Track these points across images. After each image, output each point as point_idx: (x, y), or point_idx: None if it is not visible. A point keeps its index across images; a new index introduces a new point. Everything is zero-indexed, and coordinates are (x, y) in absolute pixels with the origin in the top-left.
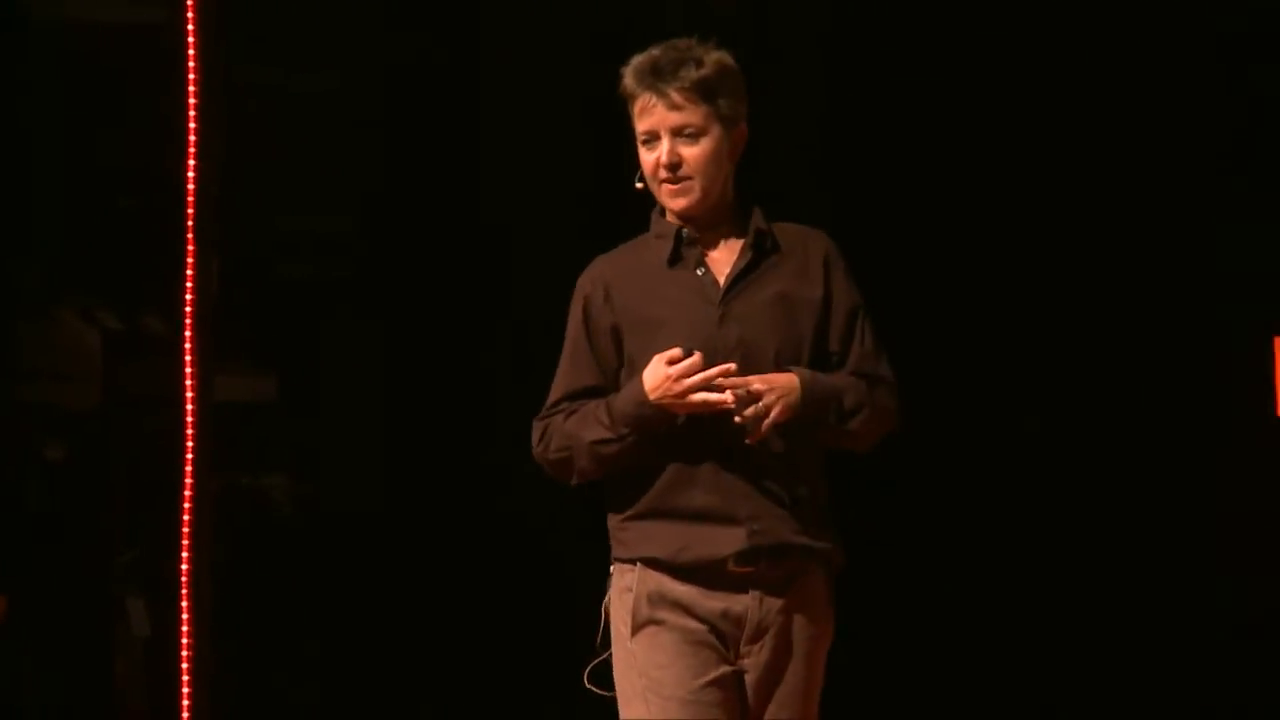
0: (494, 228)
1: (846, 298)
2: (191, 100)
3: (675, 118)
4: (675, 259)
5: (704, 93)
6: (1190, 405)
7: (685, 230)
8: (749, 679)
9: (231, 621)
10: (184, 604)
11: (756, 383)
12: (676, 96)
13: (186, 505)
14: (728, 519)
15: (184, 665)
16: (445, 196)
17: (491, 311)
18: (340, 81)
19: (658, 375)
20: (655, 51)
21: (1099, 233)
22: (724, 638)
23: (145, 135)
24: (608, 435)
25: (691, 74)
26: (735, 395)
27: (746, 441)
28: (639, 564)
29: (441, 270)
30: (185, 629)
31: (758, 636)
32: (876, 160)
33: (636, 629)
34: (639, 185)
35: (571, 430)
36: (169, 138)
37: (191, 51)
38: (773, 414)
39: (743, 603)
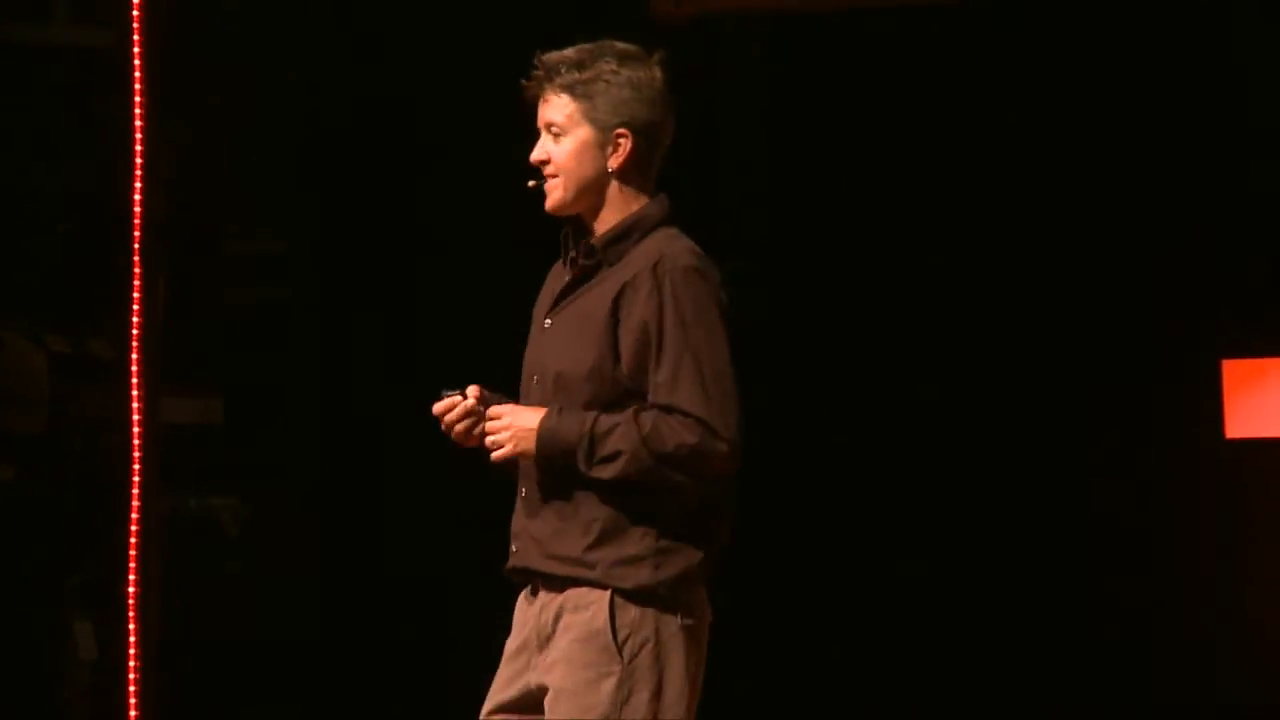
0: (440, 248)
1: (644, 320)
2: (138, 124)
3: (545, 113)
4: (564, 257)
5: (575, 92)
6: (1143, 427)
7: (566, 230)
8: (541, 688)
9: (179, 644)
10: (131, 627)
11: (500, 413)
12: (549, 93)
13: (134, 528)
14: (510, 535)
15: (131, 689)
16: (391, 220)
17: (438, 331)
18: (286, 106)
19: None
20: (564, 50)
21: (1049, 260)
22: (523, 649)
23: (92, 159)
24: None
25: (572, 75)
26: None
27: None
28: None
29: (387, 292)
30: (132, 652)
31: (542, 647)
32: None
33: None
34: (531, 184)
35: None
36: (116, 161)
37: (138, 74)
38: (503, 450)
39: (534, 610)
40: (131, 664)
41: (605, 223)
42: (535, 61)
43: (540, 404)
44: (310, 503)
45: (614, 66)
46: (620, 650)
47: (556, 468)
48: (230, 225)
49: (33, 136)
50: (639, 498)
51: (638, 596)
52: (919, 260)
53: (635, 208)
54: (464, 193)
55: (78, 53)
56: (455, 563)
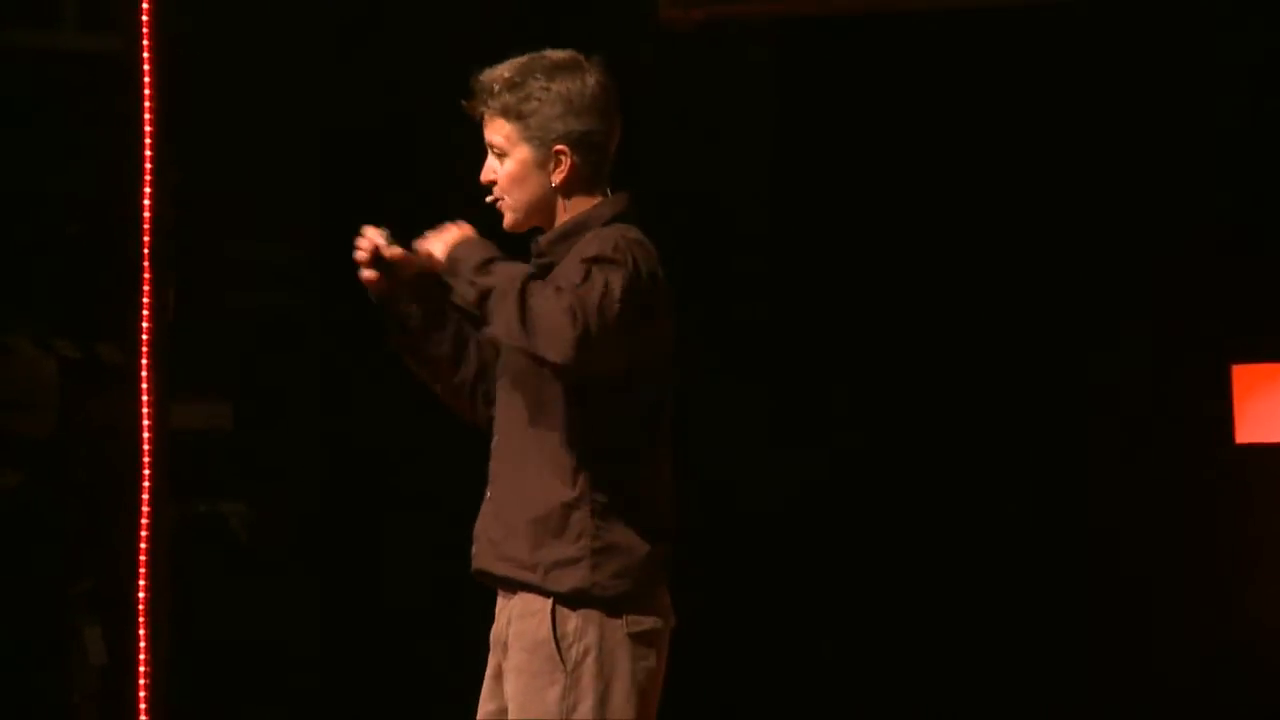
0: None
1: (571, 261)
2: (147, 129)
3: (489, 135)
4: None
5: (510, 114)
6: (1153, 432)
7: (532, 244)
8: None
9: (188, 649)
10: (141, 632)
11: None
12: (487, 115)
13: (143, 533)
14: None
15: (141, 694)
16: (400, 225)
17: None
18: (296, 109)
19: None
20: (499, 67)
21: (1058, 264)
22: (493, 652)
23: (102, 163)
24: None
25: (506, 97)
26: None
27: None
28: None
29: None
30: (142, 657)
31: (503, 652)
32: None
33: None
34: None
35: None
36: (125, 165)
37: (147, 80)
38: (424, 243)
39: (500, 613)
40: (141, 669)
41: (561, 228)
42: (471, 82)
43: (507, 405)
44: (319, 507)
45: (544, 83)
46: (563, 659)
47: (451, 276)
48: (239, 230)
49: (41, 141)
50: (567, 497)
51: (576, 600)
52: (925, 264)
53: (563, 210)
54: (472, 199)
55: (86, 58)
56: (463, 567)
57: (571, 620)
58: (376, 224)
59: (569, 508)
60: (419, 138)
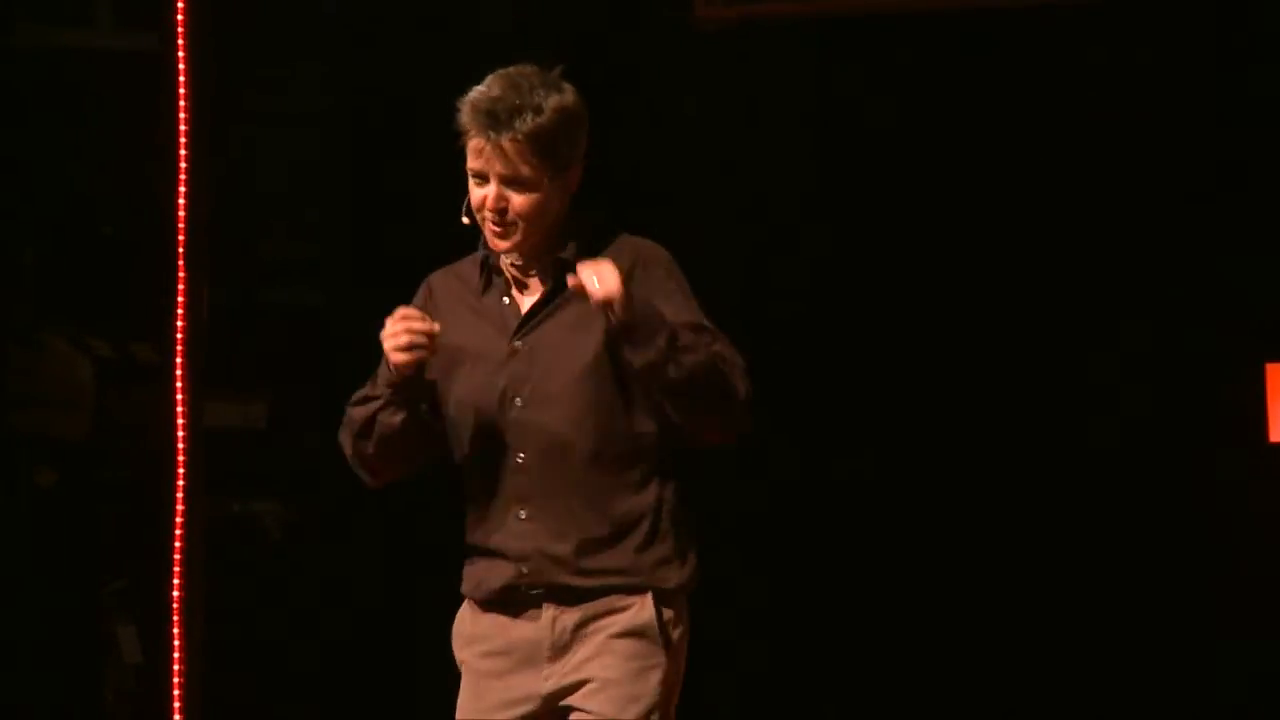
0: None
1: (672, 296)
2: (183, 127)
3: (505, 169)
4: (487, 286)
5: (538, 146)
6: (1187, 432)
7: (491, 258)
8: (563, 694)
9: (223, 648)
10: (175, 631)
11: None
12: (509, 147)
13: (177, 532)
14: (503, 556)
15: (175, 693)
16: (437, 221)
17: None
18: (331, 109)
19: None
20: (495, 90)
21: (1093, 260)
22: (522, 666)
23: (137, 162)
24: (362, 395)
25: (527, 124)
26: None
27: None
28: (465, 600)
29: None
30: (176, 656)
31: (557, 657)
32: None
33: (459, 666)
34: (465, 220)
35: (348, 411)
36: (161, 165)
37: (183, 79)
38: (604, 289)
39: (537, 626)
40: (175, 667)
41: (553, 240)
42: (470, 107)
43: (527, 423)
44: (352, 506)
45: (555, 103)
46: (665, 644)
47: (633, 335)
48: (274, 228)
49: (76, 140)
50: (652, 499)
51: (674, 595)
52: (962, 264)
53: (569, 218)
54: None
55: (121, 56)
56: None
57: (668, 610)
58: (407, 222)
59: (654, 512)
60: (456, 136)
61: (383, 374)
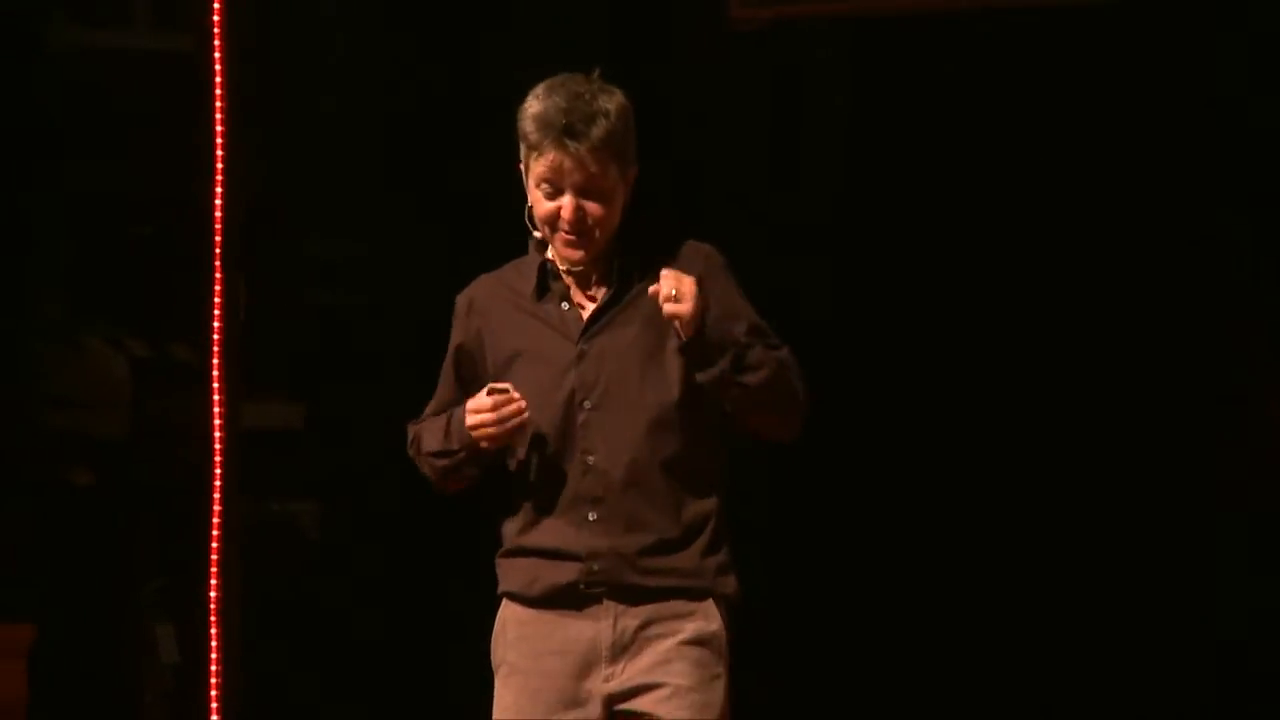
0: (523, 252)
1: (736, 300)
2: (219, 127)
3: (583, 179)
4: (542, 291)
5: (612, 151)
6: (1199, 416)
7: (550, 263)
8: (623, 697)
9: (260, 649)
10: (213, 631)
11: (670, 274)
12: (587, 157)
13: (215, 532)
14: (569, 557)
15: (213, 693)
16: (475, 221)
17: None
18: (369, 106)
19: (478, 407)
20: (560, 101)
21: (1108, 246)
22: (580, 666)
23: (174, 162)
24: (440, 448)
25: (601, 130)
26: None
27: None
28: (504, 599)
29: None
30: (214, 656)
31: (616, 659)
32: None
33: (496, 667)
34: (533, 229)
35: (421, 440)
36: (197, 165)
37: (219, 79)
38: (682, 307)
39: (597, 626)
40: (213, 667)
41: (610, 245)
42: (539, 122)
43: (599, 425)
44: (390, 506)
45: (615, 106)
46: (725, 653)
47: (701, 354)
48: (312, 228)
49: (113, 140)
50: (715, 504)
51: (730, 603)
52: (998, 263)
53: (627, 220)
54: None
55: (158, 57)
56: None
57: (728, 616)
58: (442, 221)
59: (716, 518)
60: (493, 136)
61: (463, 437)
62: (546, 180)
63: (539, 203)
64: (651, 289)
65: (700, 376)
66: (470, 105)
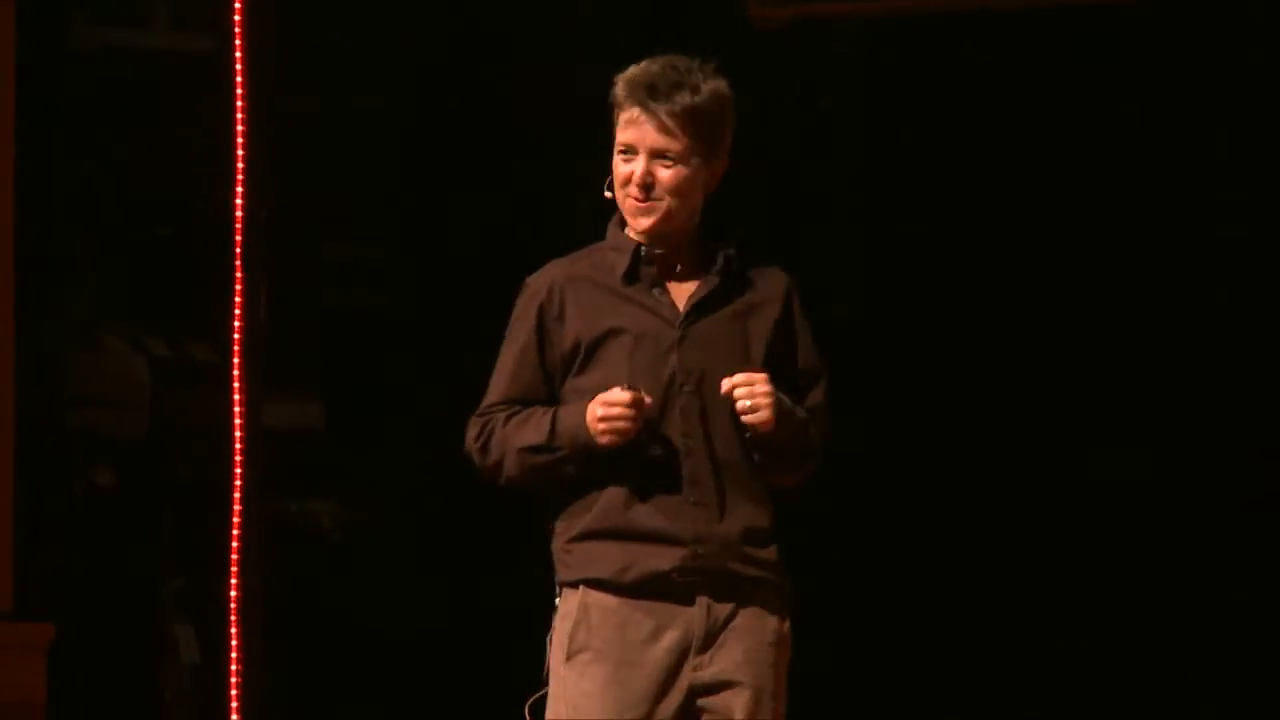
0: (542, 253)
1: (806, 332)
2: (239, 128)
3: (658, 140)
4: (632, 276)
5: (692, 122)
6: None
7: (644, 248)
8: (707, 690)
9: (280, 648)
10: (233, 631)
11: (752, 378)
12: (666, 120)
13: (235, 532)
14: (672, 540)
15: (233, 693)
16: (495, 224)
17: None
18: (388, 109)
19: (615, 400)
20: (654, 67)
21: (1130, 246)
22: (672, 655)
23: (194, 163)
24: (541, 443)
25: (685, 100)
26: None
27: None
28: (582, 586)
29: (490, 297)
30: (234, 656)
31: (704, 648)
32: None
33: (571, 655)
34: (608, 194)
35: (509, 433)
36: (217, 165)
37: (239, 79)
38: (761, 415)
39: (689, 614)
40: (233, 667)
41: (683, 236)
42: (627, 81)
43: (700, 408)
44: (410, 506)
45: (712, 87)
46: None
47: (780, 446)
48: (331, 229)
49: (133, 140)
50: (772, 506)
51: (790, 599)
52: (1016, 260)
53: (699, 219)
54: (566, 197)
55: (178, 57)
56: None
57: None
58: (465, 226)
59: (774, 517)
60: (514, 136)
61: (573, 434)
62: (626, 142)
63: (616, 165)
64: (725, 388)
65: (755, 448)
66: (492, 107)
